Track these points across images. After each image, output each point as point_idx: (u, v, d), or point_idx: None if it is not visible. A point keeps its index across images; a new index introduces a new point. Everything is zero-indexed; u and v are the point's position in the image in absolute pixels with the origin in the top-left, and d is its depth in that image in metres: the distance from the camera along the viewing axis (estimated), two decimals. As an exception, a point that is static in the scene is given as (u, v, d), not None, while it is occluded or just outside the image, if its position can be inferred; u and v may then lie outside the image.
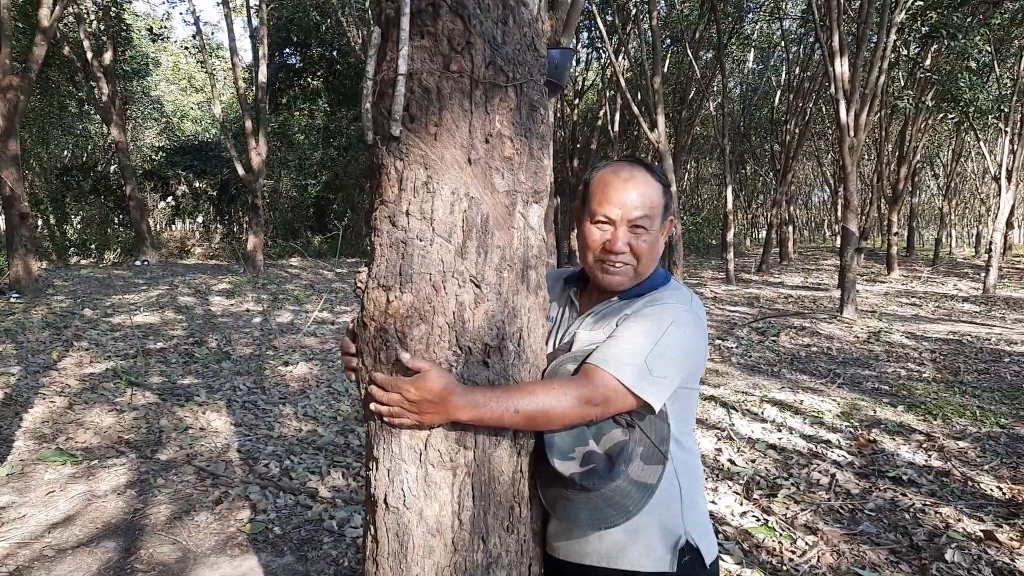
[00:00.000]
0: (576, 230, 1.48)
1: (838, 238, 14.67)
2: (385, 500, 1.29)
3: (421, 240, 1.23)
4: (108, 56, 16.58)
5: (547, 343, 1.48)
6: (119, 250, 19.21)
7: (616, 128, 19.93)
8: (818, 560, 3.12)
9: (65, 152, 24.55)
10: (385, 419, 1.27)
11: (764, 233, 25.50)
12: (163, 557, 3.08)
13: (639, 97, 17.53)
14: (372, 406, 1.28)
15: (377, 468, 1.31)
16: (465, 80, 1.20)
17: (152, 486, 3.83)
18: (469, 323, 1.26)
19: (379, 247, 1.27)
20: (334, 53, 20.87)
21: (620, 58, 18.03)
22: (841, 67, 10.67)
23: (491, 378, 1.29)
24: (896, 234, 19.87)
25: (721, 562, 3.05)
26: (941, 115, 15.71)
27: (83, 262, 17.68)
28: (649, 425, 1.33)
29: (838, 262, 12.53)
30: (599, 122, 21.52)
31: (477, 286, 1.26)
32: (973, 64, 12.47)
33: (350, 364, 1.39)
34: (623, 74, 16.22)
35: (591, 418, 1.29)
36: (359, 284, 1.30)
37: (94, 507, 3.55)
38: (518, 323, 1.32)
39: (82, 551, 3.10)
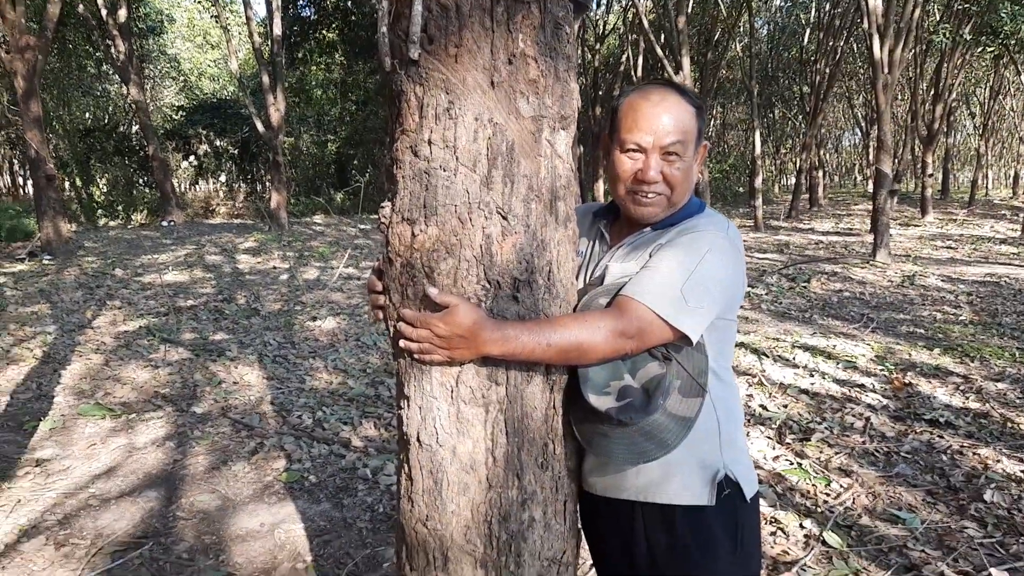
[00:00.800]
0: (605, 160, 1.42)
1: (870, 183, 14.28)
2: (418, 438, 1.27)
3: (445, 170, 1.17)
4: (123, 13, 16.46)
5: (578, 278, 1.44)
6: (145, 211, 19.42)
7: (639, 73, 19.45)
8: (853, 502, 3.09)
9: (87, 114, 24.69)
10: (415, 356, 1.24)
11: (793, 179, 24.96)
12: (203, 505, 3.15)
13: (663, 39, 17.03)
14: (401, 343, 1.25)
15: (408, 406, 1.29)
16: (486, -4, 1.13)
17: (189, 438, 3.91)
18: (497, 256, 1.21)
19: (401, 179, 1.22)
20: (348, 3, 20.49)
21: None
22: (874, 0, 10.21)
23: (521, 313, 1.25)
24: (931, 176, 19.30)
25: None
26: (979, 49, 15.04)
27: (111, 223, 17.92)
28: (686, 357, 1.29)
29: (870, 207, 12.25)
30: (622, 67, 20.97)
31: (504, 218, 1.21)
32: (1015, -8, 11.86)
33: (377, 302, 1.35)
34: (646, 15, 15.73)
35: (626, 351, 1.25)
36: (383, 219, 1.26)
37: (134, 459, 3.64)
38: (547, 256, 1.27)
39: (125, 500, 3.18)
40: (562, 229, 1.31)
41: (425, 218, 1.19)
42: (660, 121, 1.31)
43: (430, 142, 1.18)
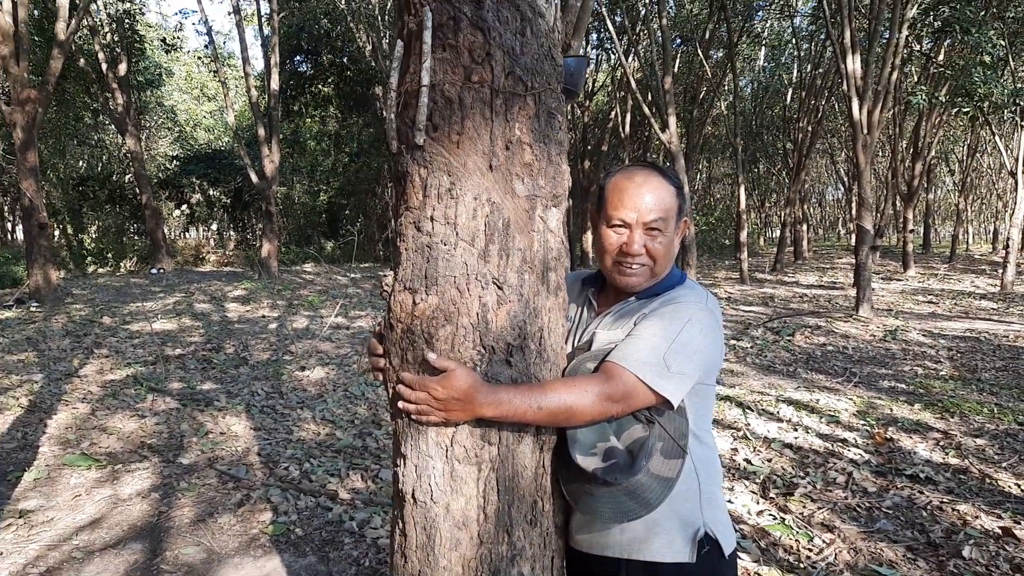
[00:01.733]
0: (593, 234, 1.53)
1: (853, 236, 14.62)
2: (413, 495, 1.34)
3: (445, 244, 1.27)
4: (122, 67, 16.82)
5: (567, 342, 1.53)
6: (135, 258, 19.46)
7: (627, 129, 19.95)
8: (835, 558, 3.13)
9: (81, 163, 24.90)
10: (413, 417, 1.31)
11: (778, 232, 25.40)
12: (188, 558, 3.14)
13: (650, 97, 17.55)
14: (400, 404, 1.32)
15: (405, 464, 1.35)
16: (486, 90, 1.25)
17: (175, 489, 3.90)
18: (492, 323, 1.30)
19: (405, 251, 1.31)
20: (344, 59, 21.04)
21: (630, 59, 18.07)
22: (853, 64, 10.64)
23: (514, 376, 1.33)
24: (912, 231, 19.73)
25: (739, 560, 3.07)
26: (955, 110, 15.59)
27: (100, 271, 17.92)
28: (668, 421, 1.37)
29: (853, 260, 12.49)
30: (610, 123, 21.53)
31: (499, 288, 1.30)
32: (987, 58, 12.37)
33: (378, 364, 1.43)
34: (633, 75, 16.24)
35: (612, 414, 1.33)
36: (385, 287, 1.35)
37: (119, 510, 3.63)
38: (539, 323, 1.36)
39: (109, 552, 3.17)
40: (553, 297, 1.41)
41: (426, 288, 1.28)
42: (643, 200, 1.43)
43: (432, 219, 1.28)
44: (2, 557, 3.09)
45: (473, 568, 1.33)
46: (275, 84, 15.33)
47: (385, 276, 1.36)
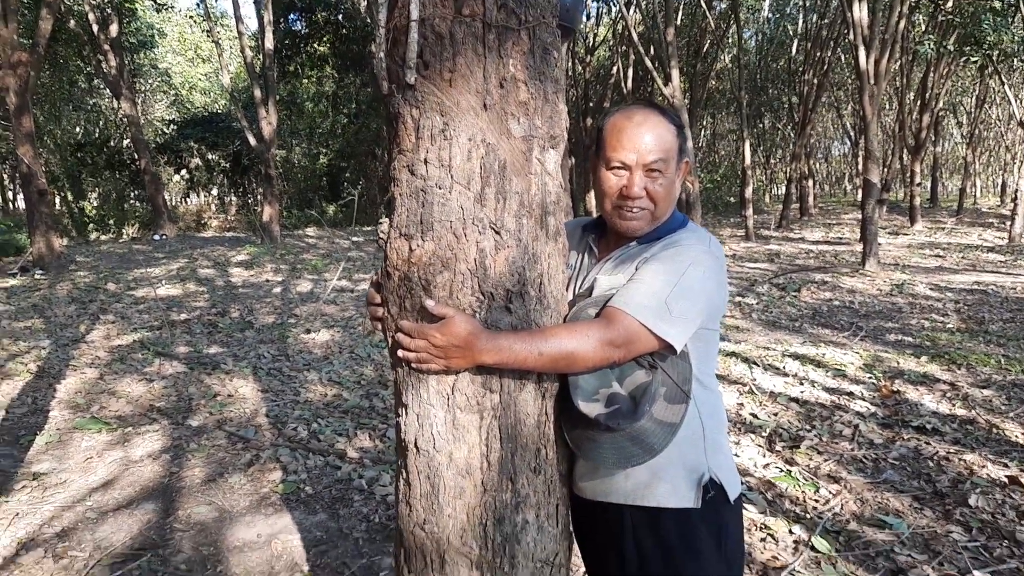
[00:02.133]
0: (592, 177, 1.49)
1: (859, 192, 14.46)
2: (416, 444, 1.32)
3: (440, 188, 1.23)
4: (114, 28, 16.54)
5: (567, 289, 1.50)
6: (137, 225, 19.45)
7: (629, 84, 19.63)
8: (841, 508, 3.15)
9: (78, 128, 24.72)
10: (413, 365, 1.29)
11: (783, 189, 25.16)
12: (200, 517, 3.18)
13: (652, 51, 17.21)
14: (400, 353, 1.30)
15: (407, 414, 1.34)
16: (478, 24, 1.19)
17: (185, 451, 3.93)
18: (490, 269, 1.27)
19: (399, 196, 1.28)
20: (339, 17, 20.64)
21: (632, 11, 17.66)
22: (860, 12, 10.39)
23: (514, 323, 1.31)
24: (919, 185, 19.51)
25: (745, 511, 3.09)
26: (964, 59, 15.26)
27: (103, 238, 17.93)
28: (671, 366, 1.35)
29: (859, 216, 12.37)
30: (612, 79, 21.17)
31: (497, 233, 1.27)
32: (997, 4, 12.05)
33: (376, 314, 1.41)
34: (635, 27, 15.90)
35: (614, 360, 1.31)
36: (381, 235, 1.31)
37: (131, 471, 3.66)
38: (539, 269, 1.33)
39: (122, 512, 3.21)
40: (552, 243, 1.37)
41: (422, 233, 1.25)
42: (643, 140, 1.38)
43: (426, 161, 1.24)
44: (18, 518, 3.13)
45: (478, 516, 1.33)
46: (269, 43, 15.07)
47: (381, 223, 1.32)
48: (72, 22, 16.50)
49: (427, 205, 1.24)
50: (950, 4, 14.90)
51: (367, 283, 9.89)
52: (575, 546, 1.59)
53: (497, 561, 1.34)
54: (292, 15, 21.25)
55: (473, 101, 1.22)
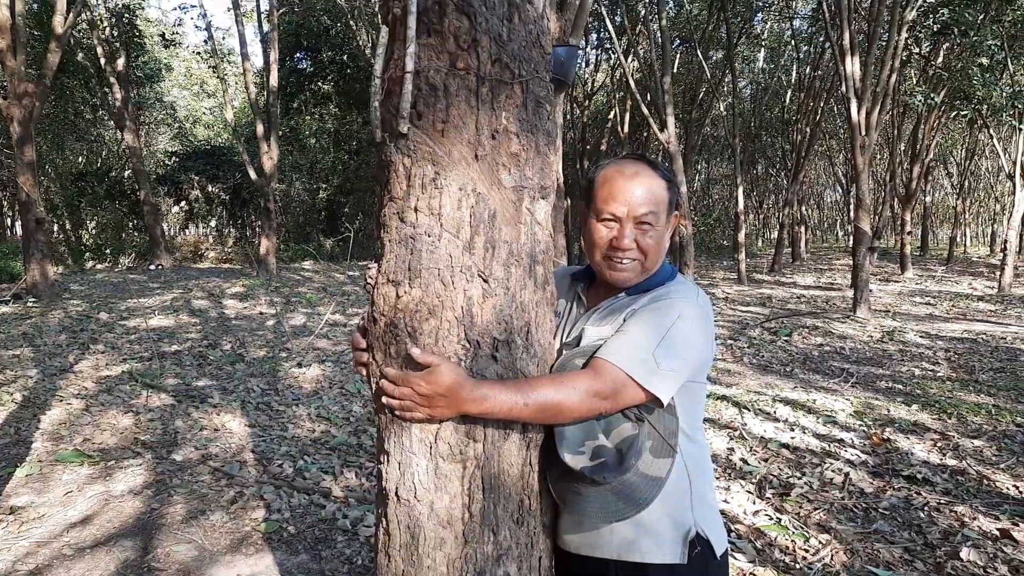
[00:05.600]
0: (582, 228, 1.50)
1: (851, 238, 14.58)
2: (396, 493, 1.31)
3: (429, 236, 1.24)
4: (121, 62, 16.78)
5: (555, 339, 1.50)
6: (134, 255, 19.42)
7: (626, 129, 19.92)
8: (831, 559, 3.11)
9: (80, 158, 24.86)
10: (396, 413, 1.28)
11: (776, 233, 25.38)
12: (179, 556, 3.11)
13: (649, 98, 17.52)
14: (383, 400, 1.29)
15: (388, 461, 1.33)
16: (471, 77, 1.22)
17: (168, 486, 3.87)
18: (477, 317, 1.27)
19: (388, 243, 1.29)
20: (344, 57, 21.01)
21: (629, 59, 18.04)
22: (852, 66, 10.62)
23: (500, 372, 1.30)
24: (909, 233, 19.70)
25: (734, 560, 3.05)
26: (954, 113, 15.57)
27: (98, 267, 17.89)
28: (658, 419, 1.34)
29: (851, 262, 12.47)
30: (609, 123, 21.50)
31: (485, 281, 1.27)
32: (985, 61, 12.35)
33: (361, 359, 1.41)
34: (632, 75, 16.21)
35: (600, 411, 1.30)
36: (369, 280, 1.32)
37: (111, 507, 3.60)
38: (526, 317, 1.33)
39: (100, 550, 3.14)
40: (540, 292, 1.38)
41: (409, 280, 1.26)
42: (634, 193, 1.40)
43: (416, 209, 1.25)
44: (-10, 553, 3.06)
45: (458, 568, 1.30)
46: (274, 80, 15.29)
47: (369, 268, 1.33)
48: (80, 55, 16.74)
49: (415, 252, 1.25)
50: (940, 59, 15.27)
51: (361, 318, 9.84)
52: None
53: (477, 615, 1.31)
54: (298, 54, 21.63)
55: (465, 151, 1.24)
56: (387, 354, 1.30)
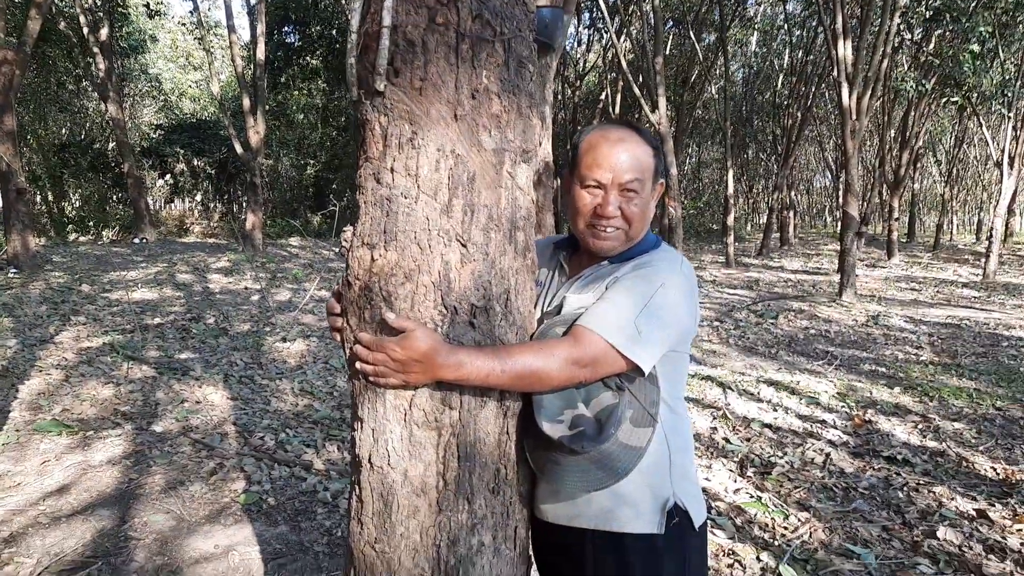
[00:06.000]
0: (565, 195, 1.47)
1: (839, 224, 14.63)
2: (370, 460, 1.29)
3: (406, 197, 1.21)
4: (104, 32, 16.44)
5: (536, 307, 1.47)
6: (117, 228, 19.18)
7: (617, 110, 19.81)
8: (810, 536, 3.13)
9: (63, 129, 24.44)
10: (370, 379, 1.25)
11: (765, 218, 25.44)
12: (157, 525, 3.09)
13: (640, 79, 17.41)
14: (357, 365, 1.27)
15: (362, 428, 1.30)
16: (451, 33, 1.18)
17: (147, 457, 3.84)
18: (455, 283, 1.24)
19: (364, 204, 1.25)
20: (333, 32, 20.68)
21: (622, 39, 17.88)
22: (844, 50, 10.58)
23: (477, 339, 1.28)
24: (897, 220, 19.80)
25: (714, 536, 3.07)
26: (944, 100, 15.59)
27: (81, 239, 17.65)
28: (639, 388, 1.32)
29: (838, 247, 12.52)
30: (600, 104, 21.38)
31: (463, 245, 1.24)
32: (976, 48, 12.33)
33: (335, 324, 1.38)
34: (624, 55, 16.09)
35: (579, 380, 1.28)
36: (344, 242, 1.28)
37: (89, 476, 3.56)
38: (505, 284, 1.30)
39: (76, 518, 3.11)
40: (521, 259, 1.35)
41: (385, 243, 1.22)
42: (619, 159, 1.36)
43: (392, 170, 1.21)
44: (-35, 522, 3.03)
45: (431, 536, 1.29)
46: (261, 54, 15.03)
47: (346, 230, 1.29)
48: (62, 23, 16.37)
49: (391, 214, 1.21)
50: (932, 46, 15.25)
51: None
52: (534, 570, 1.56)
53: (450, 583, 1.30)
54: (286, 27, 21.27)
55: (443, 111, 1.20)
56: (361, 319, 1.27)
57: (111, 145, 22.03)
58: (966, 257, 20.78)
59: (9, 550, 2.80)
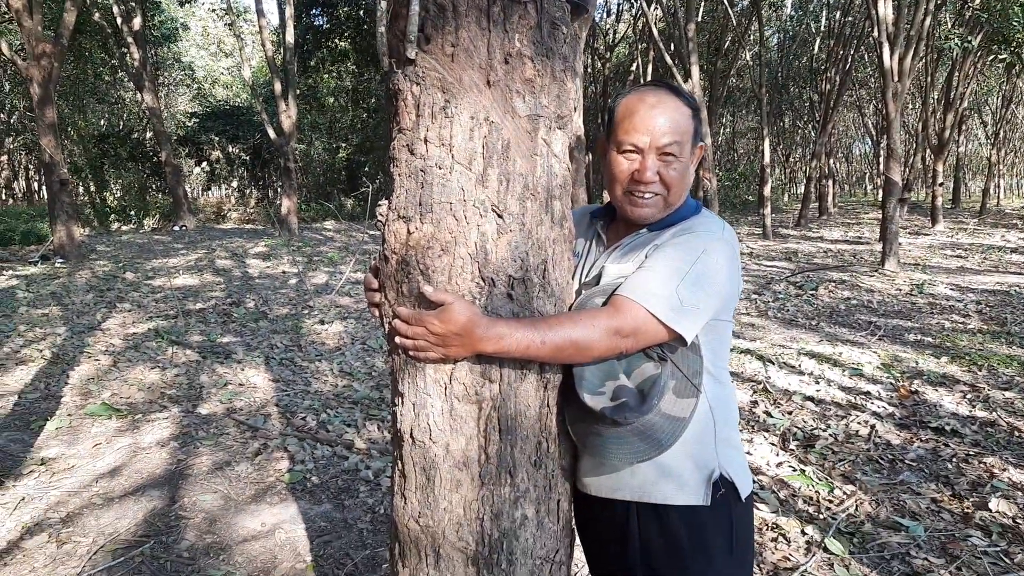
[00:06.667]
0: (601, 161, 1.43)
1: (880, 191, 14.22)
2: (411, 434, 1.28)
3: (440, 168, 1.19)
4: (137, 21, 16.66)
5: (573, 278, 1.44)
6: (158, 216, 19.58)
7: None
8: (856, 509, 3.07)
9: (101, 120, 24.95)
10: (410, 353, 1.24)
11: (803, 188, 24.86)
12: (205, 505, 3.16)
13: (672, 48, 17.06)
14: (397, 340, 1.26)
15: (403, 403, 1.29)
16: (482, -4, 1.14)
17: (194, 438, 3.93)
18: (492, 254, 1.22)
19: (398, 177, 1.23)
20: (360, 12, 20.65)
21: (652, 7, 17.50)
22: (885, 8, 10.20)
23: (515, 311, 1.26)
24: (941, 184, 19.15)
25: (757, 510, 3.03)
26: (991, 57, 14.95)
27: (123, 228, 18.08)
28: (681, 358, 1.29)
29: (880, 216, 12.18)
30: (631, 76, 21.03)
31: (499, 216, 1.22)
32: (1028, 0, 11.77)
33: (373, 300, 1.37)
34: (656, 24, 15.75)
35: (621, 350, 1.25)
36: (380, 217, 1.27)
37: (139, 458, 3.66)
38: (543, 255, 1.28)
39: (128, 499, 3.21)
40: (558, 228, 1.32)
41: (420, 216, 1.20)
42: (656, 122, 1.32)
43: (426, 140, 1.19)
44: (24, 502, 3.14)
45: (475, 510, 1.28)
46: (290, 37, 15.10)
47: (380, 204, 1.28)
48: (96, 15, 16.64)
49: (426, 186, 1.19)
50: (978, 1, 14.61)
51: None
52: (577, 543, 1.55)
53: (494, 557, 1.29)
54: (314, 10, 21.29)
55: (476, 77, 1.17)
56: (399, 293, 1.26)
57: (148, 134, 22.45)
58: (1015, 222, 20.06)
59: (66, 530, 2.90)
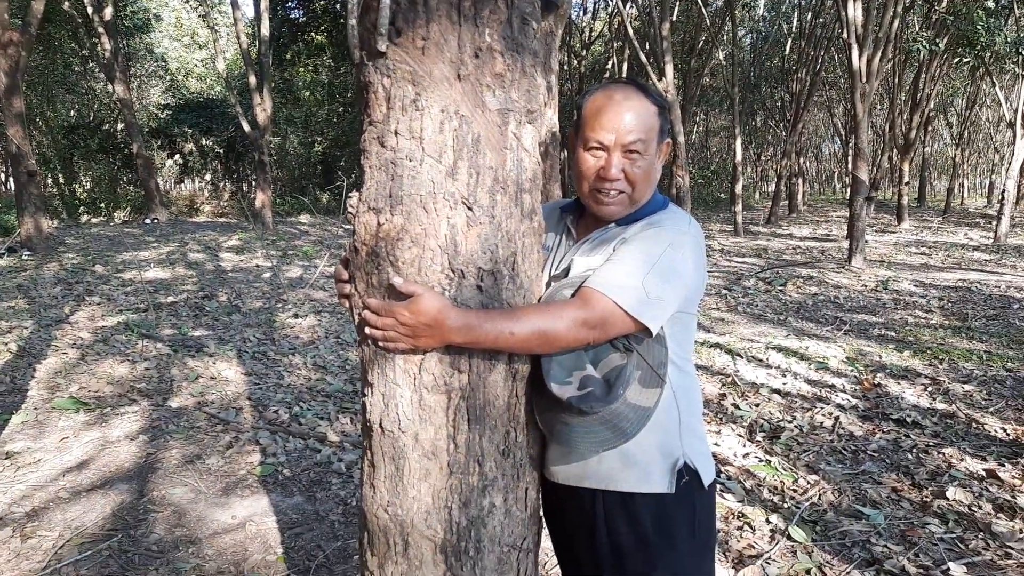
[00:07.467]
0: (569, 158, 1.45)
1: (848, 190, 14.44)
2: (380, 424, 1.30)
3: (411, 160, 1.20)
4: (108, 11, 16.34)
5: (543, 271, 1.47)
6: (128, 209, 19.24)
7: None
8: (819, 498, 3.15)
9: (71, 111, 24.43)
10: (380, 344, 1.26)
11: (773, 186, 25.20)
12: (175, 498, 3.15)
13: (647, 47, 17.18)
14: (367, 331, 1.27)
15: (372, 393, 1.31)
16: (453, -9, 1.16)
17: (164, 432, 3.90)
18: (461, 246, 1.24)
19: (369, 169, 1.25)
20: (337, 7, 20.46)
21: (628, 6, 17.60)
22: (854, 10, 10.38)
23: (485, 303, 1.28)
24: (907, 184, 19.56)
25: (723, 499, 3.09)
26: (956, 60, 15.28)
27: (93, 221, 17.73)
28: (647, 349, 1.32)
29: (847, 214, 12.40)
30: (607, 74, 21.12)
31: (469, 208, 1.24)
32: (991, 4, 12.06)
33: (344, 291, 1.38)
34: (631, 22, 15.85)
35: (588, 341, 1.28)
36: (350, 208, 1.28)
37: (107, 452, 3.62)
38: (512, 247, 1.30)
39: (96, 493, 3.17)
40: (527, 221, 1.34)
41: (391, 207, 1.22)
42: (622, 120, 1.34)
43: (396, 132, 1.21)
44: (-12, 497, 3.09)
45: (443, 498, 1.30)
46: (265, 30, 14.94)
47: (351, 197, 1.29)
48: (66, 3, 16.30)
49: (396, 178, 1.21)
50: (944, 4, 14.91)
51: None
52: (545, 531, 1.58)
53: (462, 545, 1.31)
54: (291, 3, 21.06)
55: (447, 71, 1.19)
56: (369, 284, 1.27)
57: (119, 126, 22.02)
58: (977, 221, 20.56)
59: (31, 524, 2.87)
